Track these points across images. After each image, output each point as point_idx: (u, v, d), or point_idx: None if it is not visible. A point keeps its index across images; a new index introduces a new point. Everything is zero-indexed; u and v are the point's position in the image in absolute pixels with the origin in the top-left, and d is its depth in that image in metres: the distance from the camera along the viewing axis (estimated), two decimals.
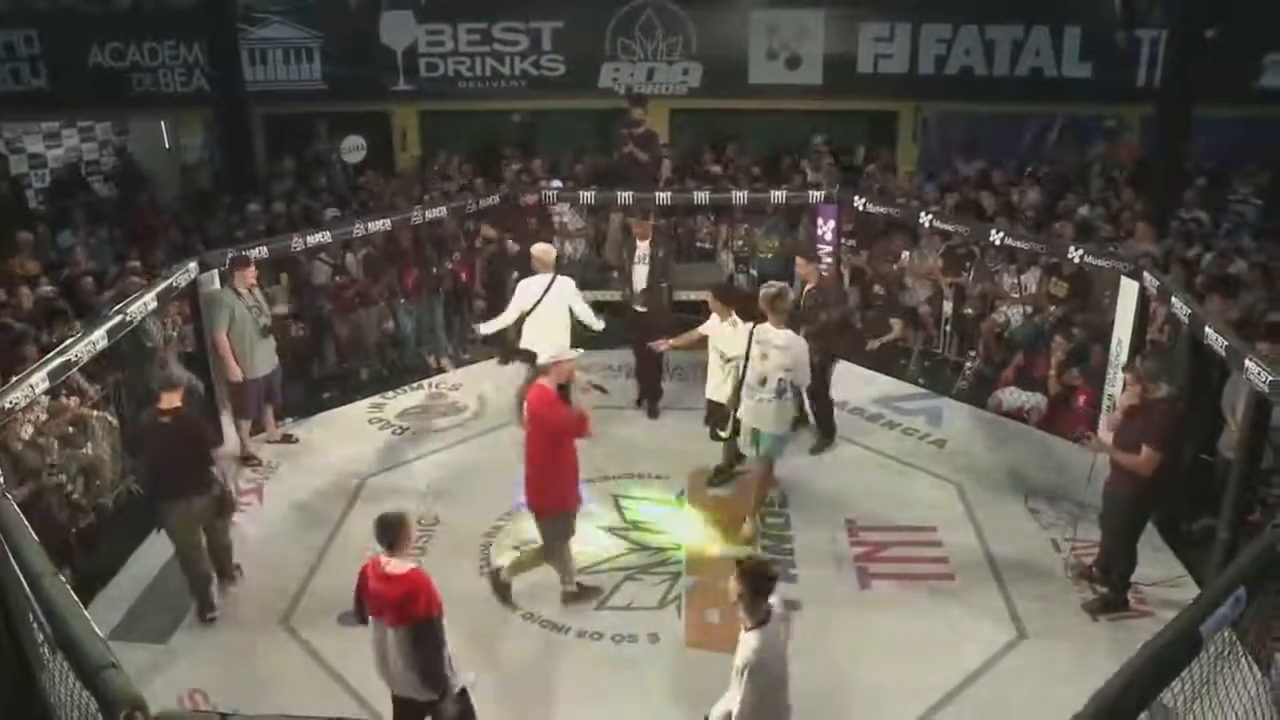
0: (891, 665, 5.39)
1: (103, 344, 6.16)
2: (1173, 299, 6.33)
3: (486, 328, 7.87)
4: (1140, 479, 5.43)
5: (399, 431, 8.10)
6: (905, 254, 9.55)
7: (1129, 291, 7.00)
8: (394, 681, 4.32)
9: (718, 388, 6.94)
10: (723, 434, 7.05)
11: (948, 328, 9.23)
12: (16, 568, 3.85)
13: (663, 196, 9.31)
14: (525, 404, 5.62)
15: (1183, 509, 6.35)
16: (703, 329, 7.04)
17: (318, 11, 12.43)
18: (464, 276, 9.70)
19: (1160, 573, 6.02)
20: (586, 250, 10.18)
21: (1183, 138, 10.49)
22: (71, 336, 6.27)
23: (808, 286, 7.40)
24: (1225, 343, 5.60)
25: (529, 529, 6.40)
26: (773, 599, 3.96)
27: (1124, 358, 6.89)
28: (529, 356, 7.69)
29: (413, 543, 4.40)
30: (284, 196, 10.91)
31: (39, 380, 5.51)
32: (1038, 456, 7.52)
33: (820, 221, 9.07)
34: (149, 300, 6.73)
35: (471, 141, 12.76)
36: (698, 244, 10.32)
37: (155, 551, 6.33)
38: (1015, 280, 8.92)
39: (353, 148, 11.31)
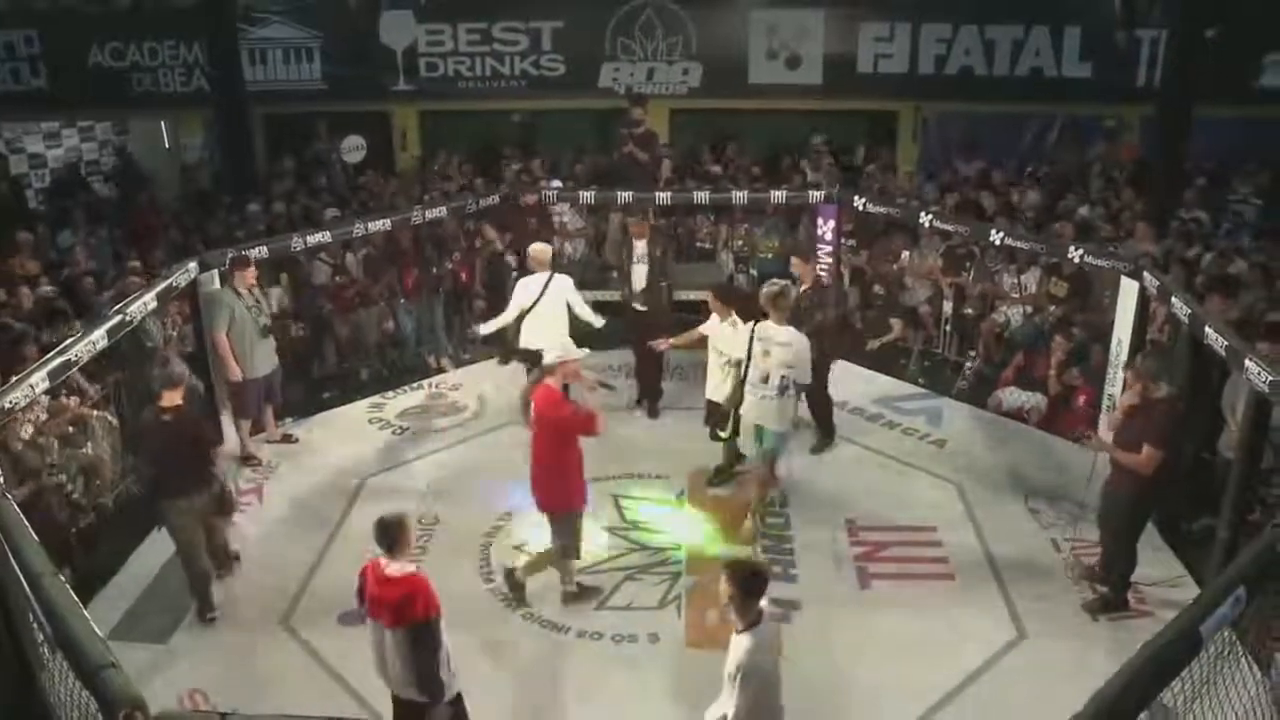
0: (891, 665, 5.39)
1: (103, 344, 6.16)
2: (1173, 299, 6.33)
3: (486, 328, 7.88)
4: (1141, 478, 5.43)
5: (399, 431, 8.10)
6: (905, 254, 9.55)
7: (1129, 291, 7.00)
8: (392, 682, 4.33)
9: (717, 388, 6.94)
10: (723, 434, 7.06)
11: (948, 328, 9.23)
12: (16, 568, 3.85)
13: (663, 196, 9.32)
14: (532, 404, 5.60)
15: (1183, 509, 6.35)
16: (703, 329, 7.04)
17: (318, 11, 12.44)
18: (464, 276, 9.70)
19: (1160, 573, 6.02)
20: (586, 250, 10.19)
21: (1183, 138, 10.49)
22: (71, 336, 6.27)
23: (803, 287, 7.40)
24: (1225, 343, 5.60)
25: (529, 529, 6.44)
26: (763, 601, 3.96)
27: (1124, 358, 6.89)
28: (533, 356, 7.72)
29: (412, 546, 4.39)
30: (284, 196, 10.92)
31: (39, 380, 5.51)
32: (1038, 456, 7.52)
33: (820, 221, 9.07)
34: (149, 300, 6.73)
35: (471, 141, 12.77)
36: (698, 244, 10.32)
37: (155, 551, 6.34)
38: (1015, 280, 8.92)
39: (353, 148, 11.32)
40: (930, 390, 8.66)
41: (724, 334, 6.81)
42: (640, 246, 8.06)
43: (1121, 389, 6.72)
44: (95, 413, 6.87)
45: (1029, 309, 8.79)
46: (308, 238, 8.17)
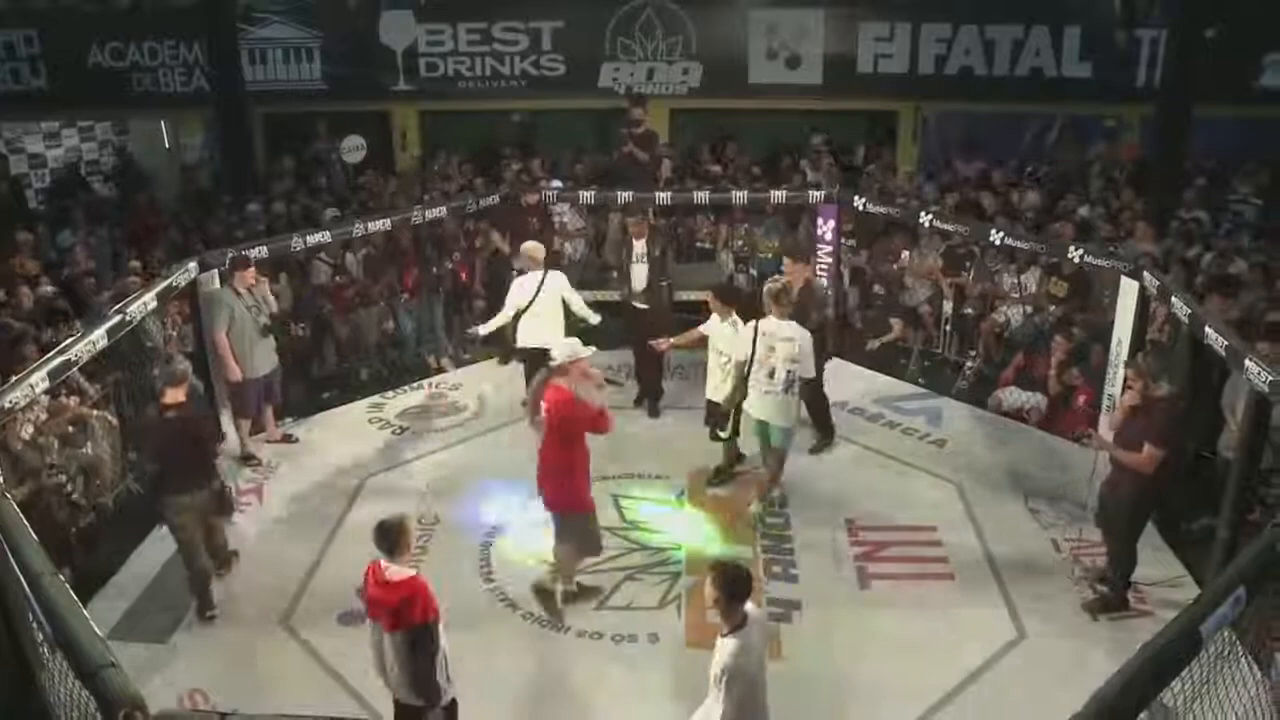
0: (891, 665, 5.39)
1: (102, 344, 6.17)
2: (1173, 299, 6.33)
3: (484, 328, 7.90)
4: (1141, 478, 5.43)
5: (399, 431, 8.10)
6: (905, 254, 9.55)
7: (1129, 291, 6.99)
8: (390, 684, 4.33)
9: (718, 388, 6.94)
10: (723, 434, 7.06)
11: (948, 328, 9.23)
12: (16, 567, 3.85)
13: (663, 196, 9.33)
14: (544, 406, 5.50)
15: (1183, 509, 6.35)
16: (703, 328, 7.04)
17: (318, 11, 12.43)
18: (464, 276, 9.70)
19: (1160, 573, 6.02)
20: (586, 250, 10.18)
21: (1183, 138, 10.49)
22: (71, 336, 6.28)
23: (795, 288, 7.40)
24: (1225, 343, 5.60)
25: (529, 532, 6.45)
26: (749, 605, 3.95)
27: (1124, 357, 6.89)
28: (532, 355, 7.74)
29: (412, 549, 4.38)
30: (283, 196, 10.92)
31: (39, 380, 5.51)
32: (1038, 456, 7.52)
33: (820, 221, 9.07)
34: (149, 300, 6.73)
35: (471, 141, 12.76)
36: (698, 244, 10.32)
37: (155, 551, 6.35)
38: (1015, 280, 8.92)
39: (353, 148, 11.31)
40: (930, 390, 8.66)
41: (724, 334, 6.81)
42: (639, 246, 8.07)
43: (1121, 389, 6.72)
44: (95, 412, 6.87)
45: (1029, 309, 8.78)
46: (308, 238, 8.18)
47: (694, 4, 12.20)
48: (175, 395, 5.70)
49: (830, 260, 9.06)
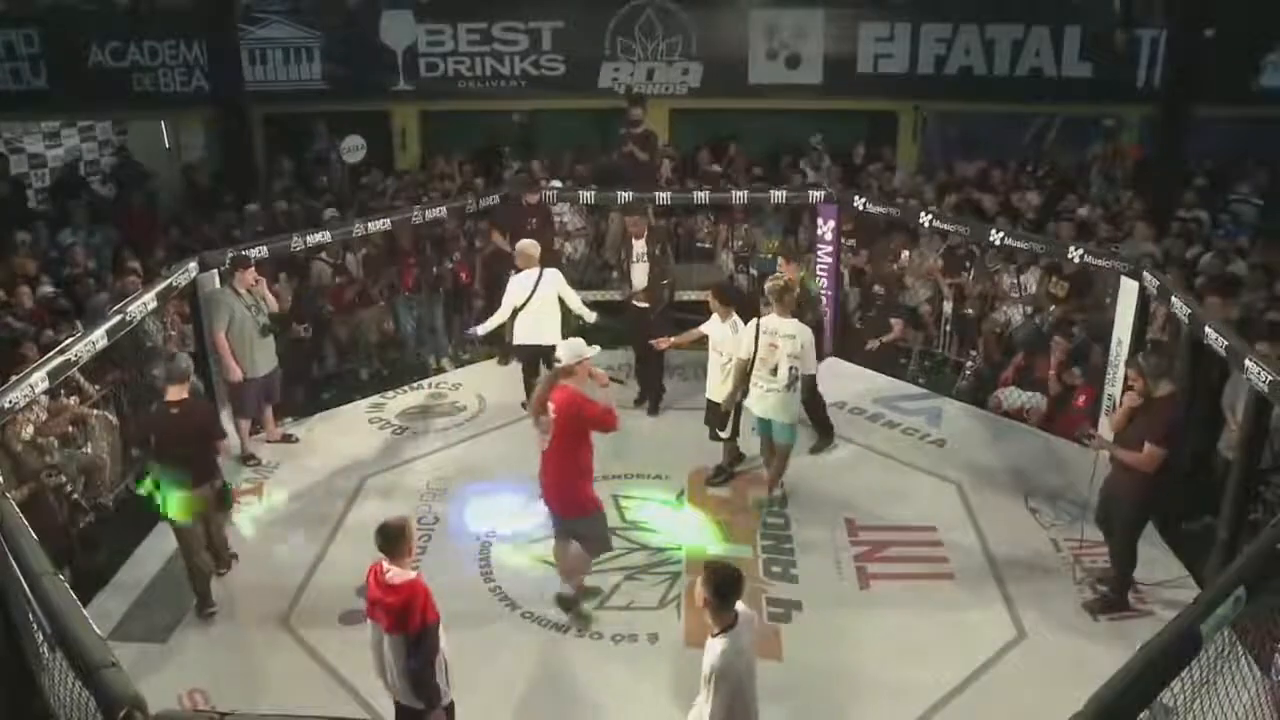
0: (891, 665, 5.39)
1: (102, 344, 6.17)
2: (1173, 299, 6.34)
3: (483, 328, 7.92)
4: (1142, 477, 5.43)
5: (399, 431, 8.10)
6: (905, 254, 9.55)
7: (1129, 291, 7.00)
8: (389, 685, 4.33)
9: (717, 387, 6.94)
10: (723, 434, 7.06)
11: (948, 328, 9.23)
12: (16, 568, 3.85)
13: (663, 196, 9.33)
14: (551, 408, 5.42)
15: (1183, 509, 6.34)
16: (703, 328, 7.05)
17: (318, 11, 12.42)
18: (464, 276, 9.70)
19: (1160, 573, 6.02)
20: (586, 250, 10.18)
21: (1183, 138, 10.48)
22: (72, 336, 6.28)
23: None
24: (1225, 343, 5.60)
25: (528, 529, 6.45)
26: (741, 605, 3.95)
27: (1124, 357, 6.89)
28: (529, 352, 7.76)
29: (414, 552, 4.36)
30: (283, 195, 10.92)
31: (39, 380, 5.52)
32: (1038, 456, 7.52)
33: (820, 221, 9.08)
34: (148, 300, 6.74)
35: (471, 141, 12.76)
36: (698, 244, 10.32)
37: (155, 551, 6.36)
38: (1015, 280, 8.92)
39: (353, 148, 11.31)
40: (930, 390, 8.67)
41: (724, 334, 6.82)
42: (639, 245, 8.09)
43: (1121, 389, 6.72)
44: (95, 412, 6.88)
45: (1029, 309, 8.78)
46: (308, 238, 8.18)
47: (694, 4, 12.20)
48: (178, 392, 5.76)
49: (830, 260, 9.07)
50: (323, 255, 9.04)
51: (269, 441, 7.79)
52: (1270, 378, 5.08)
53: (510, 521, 6.70)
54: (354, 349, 9.19)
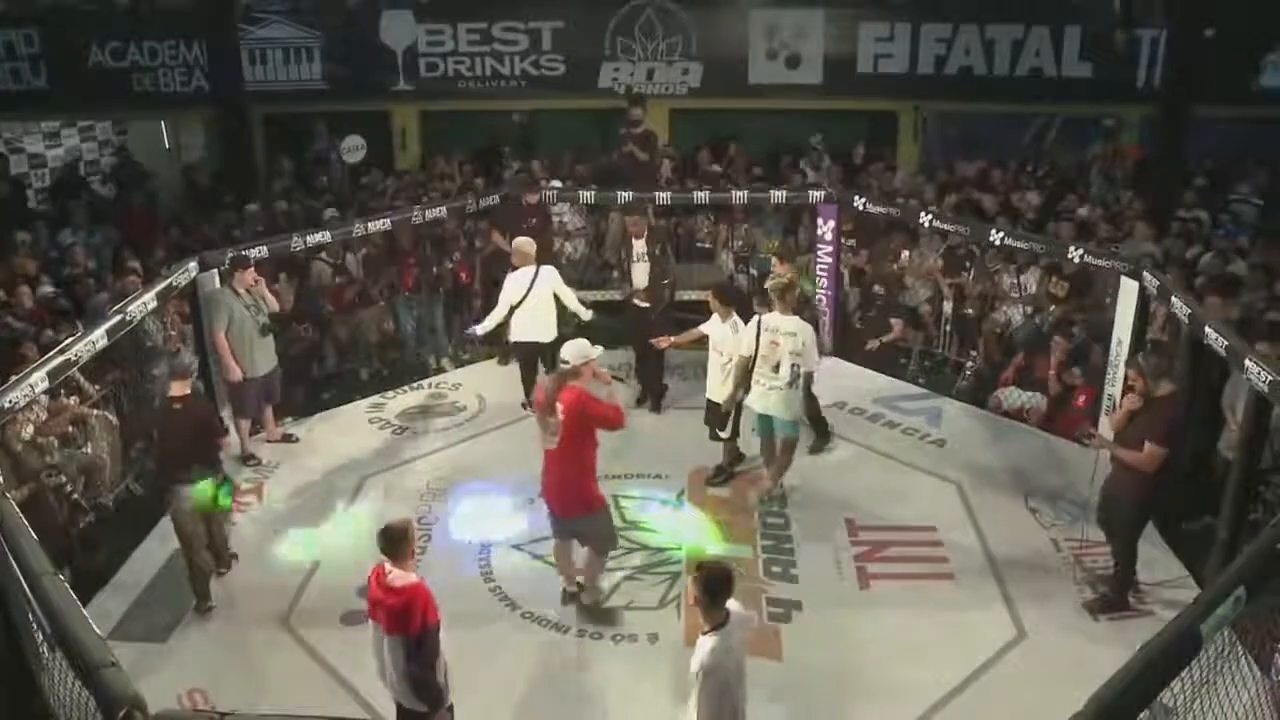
0: (891, 665, 5.39)
1: (102, 344, 6.17)
2: (1173, 299, 6.33)
3: (481, 327, 7.93)
4: (1143, 477, 5.43)
5: (399, 431, 8.10)
6: (905, 254, 9.55)
7: (1129, 291, 7.00)
8: (390, 687, 4.33)
9: (718, 387, 6.94)
10: (723, 434, 7.06)
11: (948, 328, 9.23)
12: (16, 568, 3.85)
13: (663, 196, 9.33)
14: (560, 409, 5.38)
15: (1183, 509, 6.34)
16: (703, 328, 7.05)
17: (318, 11, 12.42)
18: (464, 276, 9.70)
19: (1160, 573, 6.02)
20: (586, 250, 10.18)
21: (1183, 138, 10.48)
22: (72, 336, 6.29)
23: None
24: (1225, 343, 5.60)
25: (528, 529, 6.45)
26: (732, 603, 3.96)
27: (1124, 357, 6.90)
28: (527, 349, 7.77)
29: (414, 555, 4.35)
30: (283, 195, 10.92)
31: (39, 380, 5.52)
32: (1038, 456, 7.52)
33: (820, 221, 9.08)
34: (149, 300, 6.74)
35: (471, 141, 12.76)
36: (698, 244, 10.32)
37: (155, 551, 6.37)
38: (1015, 280, 8.92)
39: (353, 148, 11.31)
40: (930, 390, 8.66)
41: (724, 334, 6.82)
42: (639, 245, 8.10)
43: (1121, 389, 6.72)
44: (95, 412, 6.88)
45: (1029, 309, 8.78)
46: (308, 238, 8.18)
47: (694, 4, 12.20)
48: (181, 388, 5.80)
49: (830, 260, 9.07)
50: (323, 255, 9.05)
51: (269, 441, 7.79)
52: (1270, 378, 5.08)
53: (510, 521, 6.70)
54: (354, 349, 9.19)
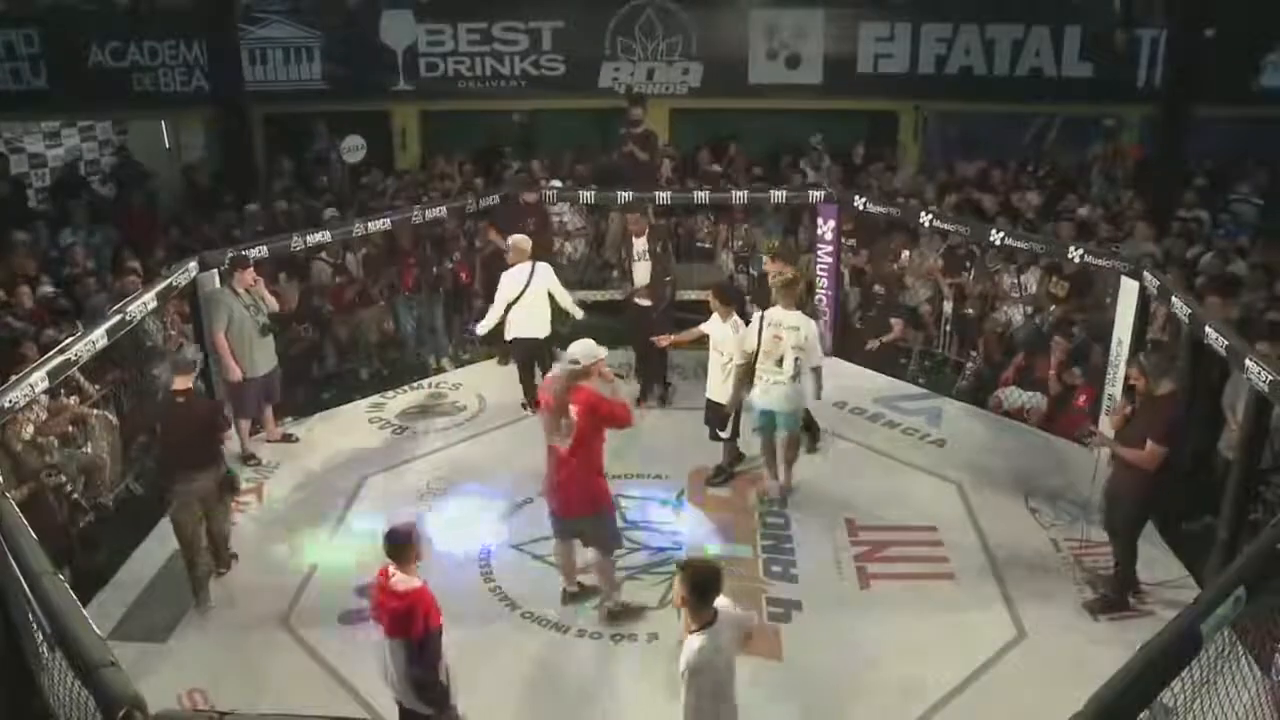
0: (891, 665, 5.39)
1: (102, 344, 6.17)
2: (1173, 299, 6.33)
3: (481, 327, 7.94)
4: (1144, 475, 5.43)
5: (399, 431, 8.10)
6: (905, 254, 9.55)
7: (1129, 291, 7.00)
8: (392, 687, 4.34)
9: (718, 387, 6.94)
10: (723, 434, 7.06)
11: (948, 328, 9.23)
12: (16, 567, 3.85)
13: (663, 196, 9.33)
14: (573, 409, 5.37)
15: (1183, 509, 6.34)
16: (704, 327, 7.04)
17: (318, 11, 12.43)
18: (464, 276, 9.70)
19: (1160, 573, 6.02)
20: (586, 250, 10.18)
21: (1183, 138, 10.48)
22: (72, 336, 6.29)
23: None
24: (1225, 343, 5.60)
25: (528, 528, 6.44)
26: (723, 601, 3.94)
27: (1124, 357, 6.90)
28: (524, 346, 7.78)
29: (417, 558, 4.32)
30: (283, 195, 10.92)
31: (39, 380, 5.52)
32: (1038, 456, 7.52)
33: (820, 221, 9.08)
34: (149, 300, 6.74)
35: (472, 141, 12.76)
36: (698, 244, 10.32)
37: (155, 551, 6.37)
38: (1015, 280, 8.92)
39: (353, 147, 11.31)
40: (930, 390, 8.66)
41: (725, 334, 6.81)
42: (640, 244, 8.11)
43: (1122, 389, 6.72)
44: (95, 412, 6.88)
45: (1029, 309, 8.78)
46: (308, 238, 8.19)
47: (694, 4, 12.20)
48: (184, 382, 5.83)
49: (830, 260, 9.07)
50: (323, 255, 9.05)
51: (269, 441, 7.79)
52: (1270, 378, 5.07)
53: (510, 521, 6.70)
54: (354, 349, 9.19)
